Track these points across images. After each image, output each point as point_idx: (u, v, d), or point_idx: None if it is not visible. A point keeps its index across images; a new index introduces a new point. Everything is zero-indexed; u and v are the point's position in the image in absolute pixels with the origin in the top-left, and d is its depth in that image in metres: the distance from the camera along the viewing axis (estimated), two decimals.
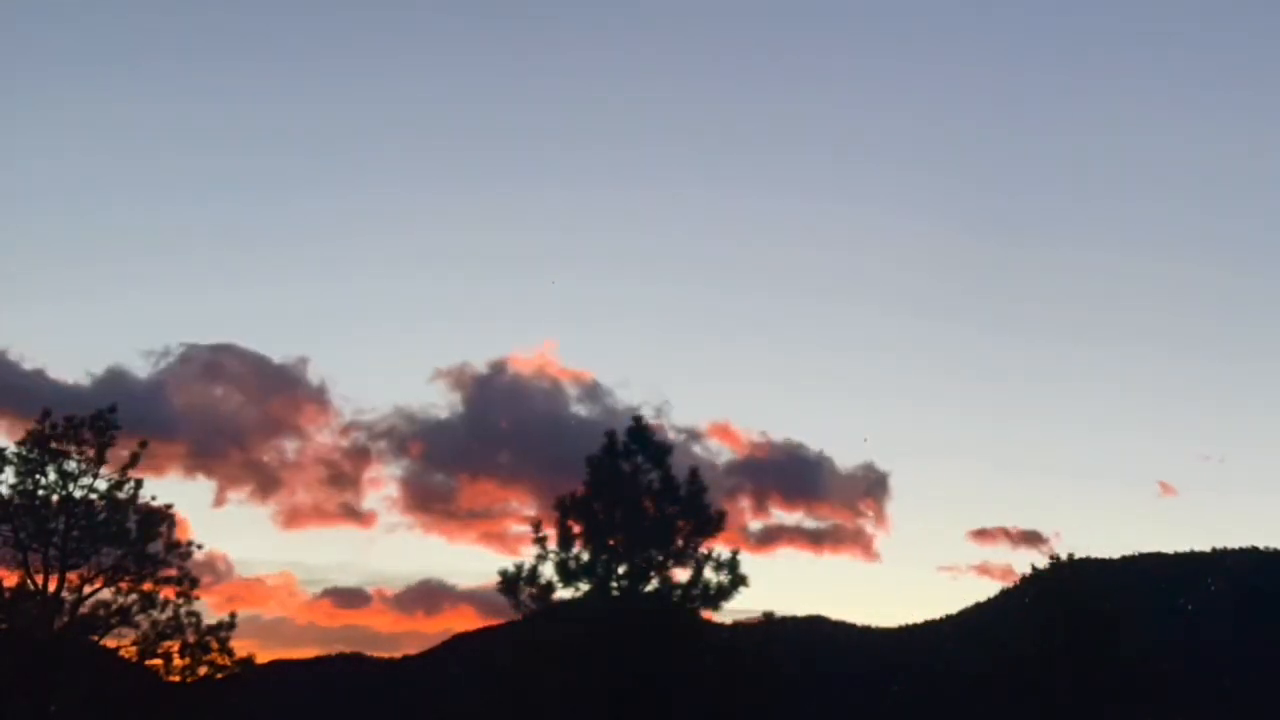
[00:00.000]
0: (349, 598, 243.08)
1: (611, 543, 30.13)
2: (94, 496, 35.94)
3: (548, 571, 30.22)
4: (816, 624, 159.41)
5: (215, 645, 36.27)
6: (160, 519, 36.58)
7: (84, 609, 35.66)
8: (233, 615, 36.97)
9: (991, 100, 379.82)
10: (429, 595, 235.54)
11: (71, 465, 35.79)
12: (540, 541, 30.46)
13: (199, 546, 36.75)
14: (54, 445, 35.73)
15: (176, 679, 36.00)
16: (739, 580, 30.32)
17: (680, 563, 30.22)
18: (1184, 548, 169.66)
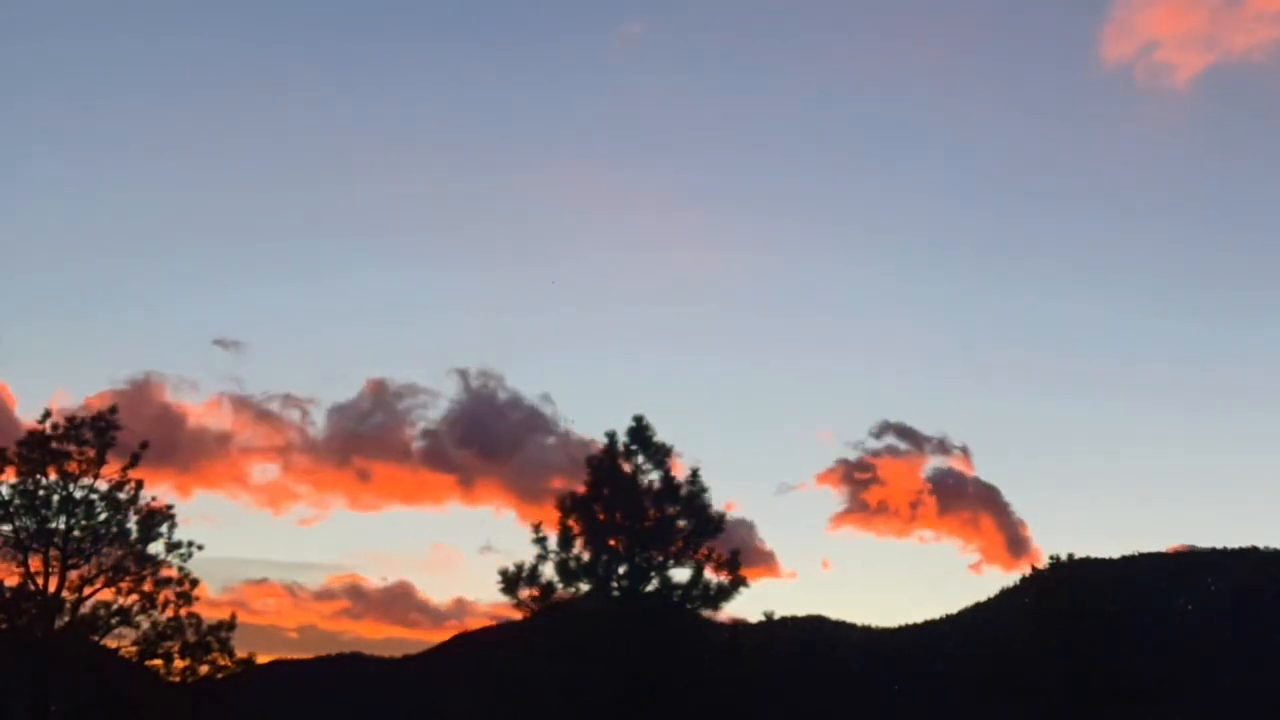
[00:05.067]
0: None
1: (611, 543, 30.09)
2: (94, 497, 35.95)
3: (548, 571, 30.27)
4: (816, 624, 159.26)
5: (215, 645, 36.25)
6: (161, 519, 36.58)
7: (84, 609, 35.61)
8: (232, 615, 37.01)
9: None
10: None
11: (71, 465, 35.80)
12: (540, 541, 30.49)
13: (199, 547, 36.76)
14: (54, 445, 35.73)
15: (176, 679, 35.97)
16: (739, 580, 30.32)
17: (680, 563, 30.23)
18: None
